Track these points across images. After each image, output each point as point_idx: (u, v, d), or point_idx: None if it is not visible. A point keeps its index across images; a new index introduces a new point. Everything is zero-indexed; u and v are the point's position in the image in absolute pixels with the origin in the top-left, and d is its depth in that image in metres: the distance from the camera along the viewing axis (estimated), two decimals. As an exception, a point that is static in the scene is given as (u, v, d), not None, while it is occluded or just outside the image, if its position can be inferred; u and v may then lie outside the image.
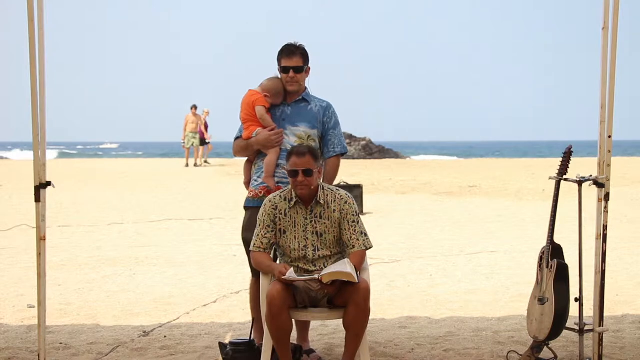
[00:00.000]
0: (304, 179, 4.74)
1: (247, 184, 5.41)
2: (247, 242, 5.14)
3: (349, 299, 4.53)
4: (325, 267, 4.77)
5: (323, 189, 4.86)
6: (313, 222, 4.81)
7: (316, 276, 4.56)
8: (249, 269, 5.33)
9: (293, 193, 4.84)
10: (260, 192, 5.21)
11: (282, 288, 4.55)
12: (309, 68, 5.33)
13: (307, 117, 5.28)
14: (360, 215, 5.60)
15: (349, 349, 4.61)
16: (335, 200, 4.84)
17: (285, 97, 5.33)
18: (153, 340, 5.84)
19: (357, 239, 4.79)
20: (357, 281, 4.53)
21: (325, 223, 4.81)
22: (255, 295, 5.15)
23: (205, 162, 26.51)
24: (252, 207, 5.26)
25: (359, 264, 4.73)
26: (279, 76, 5.32)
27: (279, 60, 5.29)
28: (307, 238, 4.80)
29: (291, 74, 5.24)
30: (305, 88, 5.38)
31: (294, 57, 5.23)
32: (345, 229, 4.80)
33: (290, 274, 4.61)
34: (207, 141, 25.76)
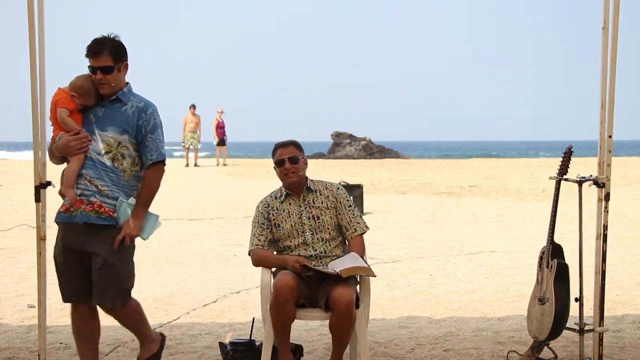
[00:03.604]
0: (291, 166, 4.86)
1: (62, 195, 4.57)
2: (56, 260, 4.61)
3: (333, 306, 4.55)
4: (325, 251, 4.82)
5: (312, 180, 4.98)
6: (308, 208, 4.90)
7: (337, 271, 4.58)
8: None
9: (282, 190, 4.95)
10: (71, 207, 4.46)
11: (290, 278, 4.57)
12: (126, 64, 4.53)
13: (118, 121, 4.47)
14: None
15: (335, 351, 4.66)
16: (327, 188, 4.97)
17: (102, 97, 4.54)
18: (153, 340, 5.83)
19: (358, 222, 4.91)
20: (375, 275, 4.66)
21: (320, 207, 4.90)
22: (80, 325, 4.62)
23: (225, 164, 25.91)
24: (61, 222, 4.55)
25: (363, 253, 4.84)
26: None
27: (86, 57, 4.49)
28: (304, 223, 4.86)
29: (99, 75, 4.44)
30: (126, 84, 4.58)
31: (100, 57, 4.42)
32: (343, 213, 4.91)
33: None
34: (218, 142, 25.12)
